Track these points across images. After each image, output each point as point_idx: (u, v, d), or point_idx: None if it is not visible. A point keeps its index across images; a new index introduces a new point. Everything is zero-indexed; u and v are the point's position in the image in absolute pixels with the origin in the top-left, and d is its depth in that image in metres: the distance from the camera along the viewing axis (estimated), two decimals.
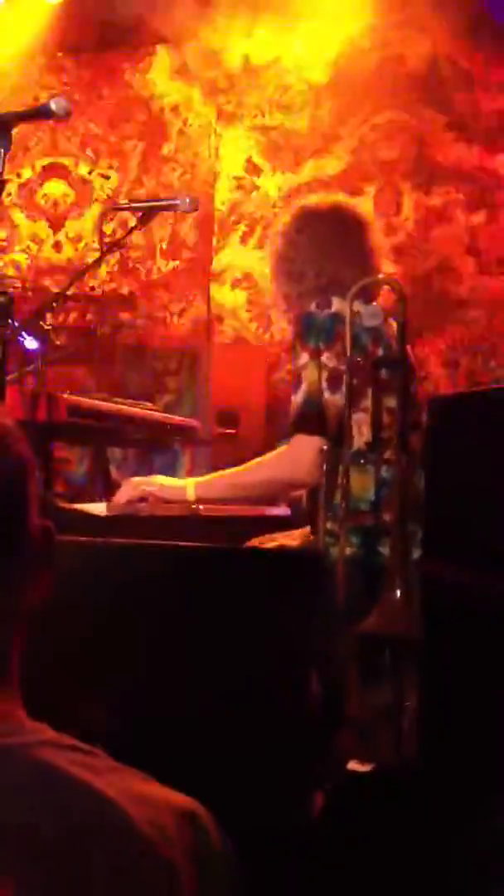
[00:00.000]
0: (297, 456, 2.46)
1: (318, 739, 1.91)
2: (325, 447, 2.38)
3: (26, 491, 0.98)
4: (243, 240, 6.22)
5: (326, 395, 2.42)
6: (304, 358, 2.46)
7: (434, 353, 5.72)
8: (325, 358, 2.43)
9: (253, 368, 5.87)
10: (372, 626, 2.07)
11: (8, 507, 0.95)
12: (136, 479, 2.64)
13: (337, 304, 2.44)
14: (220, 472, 2.60)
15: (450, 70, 5.77)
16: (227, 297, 6.26)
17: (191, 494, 2.51)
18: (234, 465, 2.62)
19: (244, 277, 6.22)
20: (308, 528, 2.53)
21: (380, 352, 2.46)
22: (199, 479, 2.59)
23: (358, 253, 2.63)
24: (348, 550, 2.31)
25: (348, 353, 2.30)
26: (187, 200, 2.66)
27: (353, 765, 2.06)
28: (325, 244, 2.61)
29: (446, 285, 5.74)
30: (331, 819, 1.89)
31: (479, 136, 5.71)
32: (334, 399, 2.41)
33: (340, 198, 2.83)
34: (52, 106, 2.20)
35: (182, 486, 2.54)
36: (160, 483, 2.58)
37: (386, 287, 2.61)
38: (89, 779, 0.93)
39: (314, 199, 2.80)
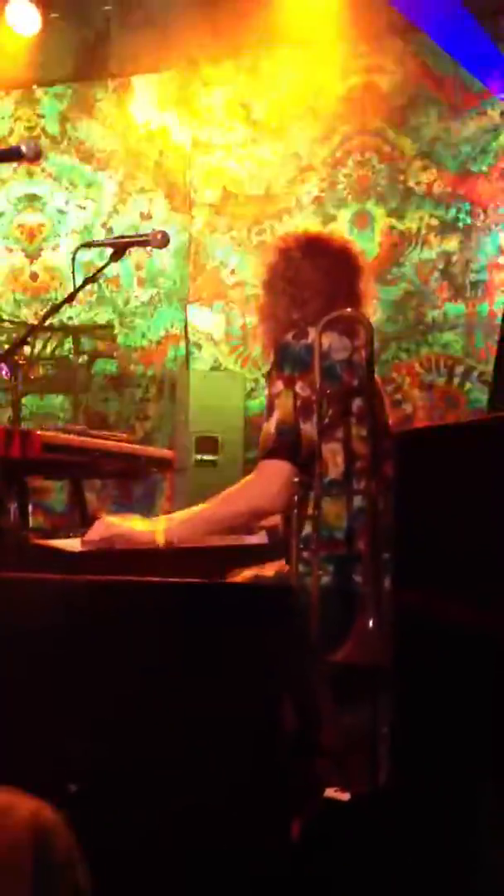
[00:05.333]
0: (265, 484, 2.46)
1: (293, 768, 1.92)
2: (296, 477, 2.39)
3: None
4: (220, 267, 6.26)
5: (300, 423, 2.44)
6: (279, 386, 2.48)
7: (410, 376, 5.77)
8: (298, 387, 2.45)
9: (231, 394, 5.90)
10: (346, 655, 2.08)
11: None
12: (110, 518, 2.64)
13: (313, 335, 2.46)
14: (190, 510, 2.59)
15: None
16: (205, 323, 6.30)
17: (161, 539, 2.51)
18: (215, 491, 2.61)
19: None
20: (283, 561, 2.54)
21: (355, 382, 2.48)
22: (169, 521, 2.58)
23: (351, 294, 2.67)
24: (324, 579, 2.32)
25: (317, 383, 2.33)
26: (158, 236, 2.69)
27: (330, 792, 2.07)
28: (327, 277, 2.65)
29: (420, 309, 5.79)
30: (308, 846, 1.91)
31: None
32: (305, 427, 2.43)
33: (346, 238, 2.88)
34: (23, 149, 2.24)
35: (152, 531, 2.53)
36: (131, 526, 2.58)
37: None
38: None
39: (320, 230, 2.86)
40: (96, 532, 2.54)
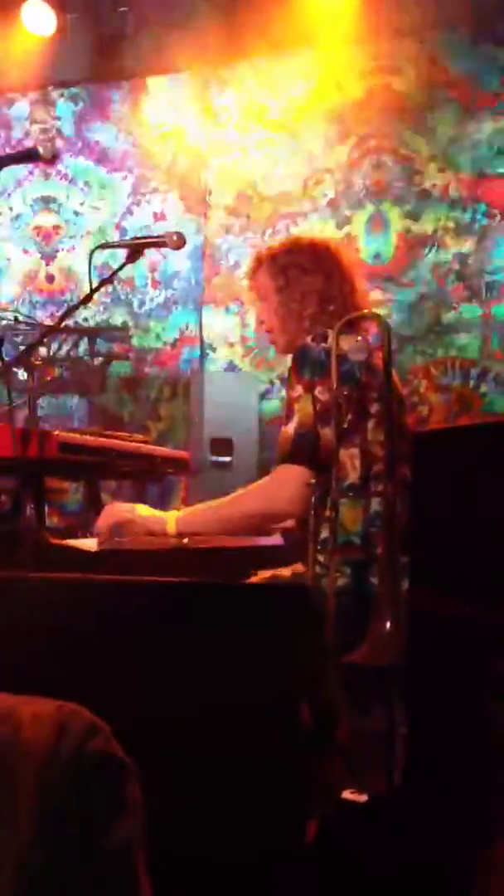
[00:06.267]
0: (280, 487, 2.46)
1: (309, 769, 1.92)
2: (312, 480, 2.39)
3: None
4: (234, 268, 6.26)
5: (318, 428, 2.43)
6: (299, 390, 2.47)
7: (425, 379, 5.75)
8: (317, 392, 2.43)
9: (246, 396, 5.90)
10: (362, 657, 2.08)
11: None
12: (118, 504, 2.64)
13: (332, 339, 2.46)
14: (203, 504, 2.60)
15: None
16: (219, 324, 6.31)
17: (171, 528, 2.52)
18: (229, 493, 2.62)
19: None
20: (299, 565, 2.54)
21: (374, 384, 2.48)
22: (181, 512, 2.59)
23: (349, 288, 2.68)
24: (340, 580, 2.32)
25: (334, 387, 2.32)
26: (174, 237, 2.69)
27: (347, 794, 2.07)
28: (320, 273, 2.66)
29: (436, 311, 5.78)
30: (325, 847, 1.90)
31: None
32: (325, 432, 2.42)
33: (319, 234, 2.89)
34: (39, 150, 2.25)
35: (163, 519, 2.54)
36: (141, 513, 2.58)
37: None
38: None
39: (315, 236, 2.88)
40: (106, 517, 2.54)
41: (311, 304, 2.63)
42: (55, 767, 1.12)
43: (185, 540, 2.59)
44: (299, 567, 2.52)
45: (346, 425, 2.42)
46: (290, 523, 2.68)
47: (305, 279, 2.64)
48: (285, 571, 2.55)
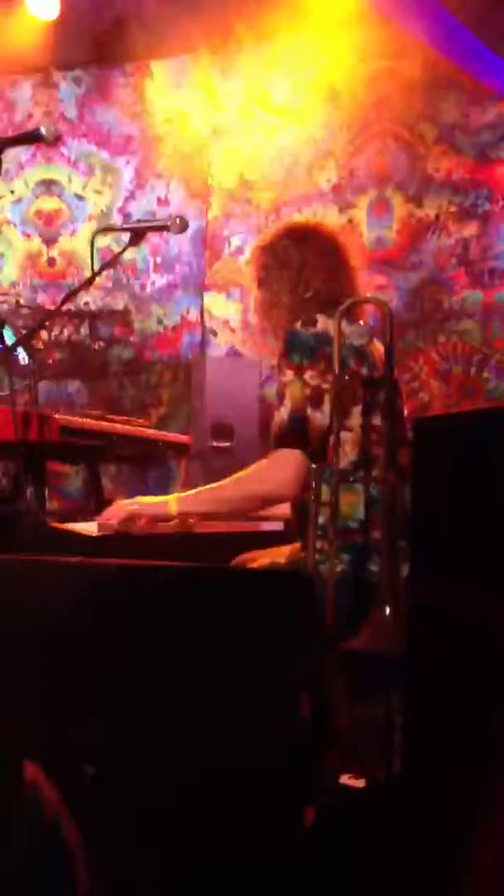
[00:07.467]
0: (277, 470, 2.49)
1: (308, 755, 1.92)
2: (311, 463, 2.40)
3: None
4: (236, 253, 6.25)
5: (309, 411, 2.45)
6: (289, 375, 2.50)
7: (427, 365, 5.75)
8: (308, 376, 2.46)
9: (247, 381, 5.88)
10: (362, 644, 2.09)
11: None
12: (121, 501, 2.66)
13: (322, 323, 2.48)
14: (205, 486, 2.62)
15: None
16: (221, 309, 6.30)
17: (173, 509, 2.54)
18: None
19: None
20: (297, 544, 2.55)
21: (364, 371, 2.49)
22: (181, 494, 2.61)
23: (344, 271, 2.68)
24: (338, 568, 2.32)
25: (337, 371, 2.32)
26: (177, 221, 2.69)
27: (345, 780, 2.07)
28: (319, 260, 2.66)
29: (438, 297, 5.77)
30: (322, 833, 1.91)
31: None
32: (316, 416, 2.44)
33: (322, 219, 2.90)
34: (42, 131, 2.24)
35: (164, 502, 2.57)
36: (143, 502, 2.61)
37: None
38: None
39: (301, 219, 2.88)
40: (111, 514, 2.56)
41: (283, 299, 2.66)
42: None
43: (191, 521, 2.61)
44: (296, 550, 2.53)
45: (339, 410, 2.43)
46: (285, 509, 2.68)
47: (279, 274, 2.68)
48: (282, 556, 2.55)
